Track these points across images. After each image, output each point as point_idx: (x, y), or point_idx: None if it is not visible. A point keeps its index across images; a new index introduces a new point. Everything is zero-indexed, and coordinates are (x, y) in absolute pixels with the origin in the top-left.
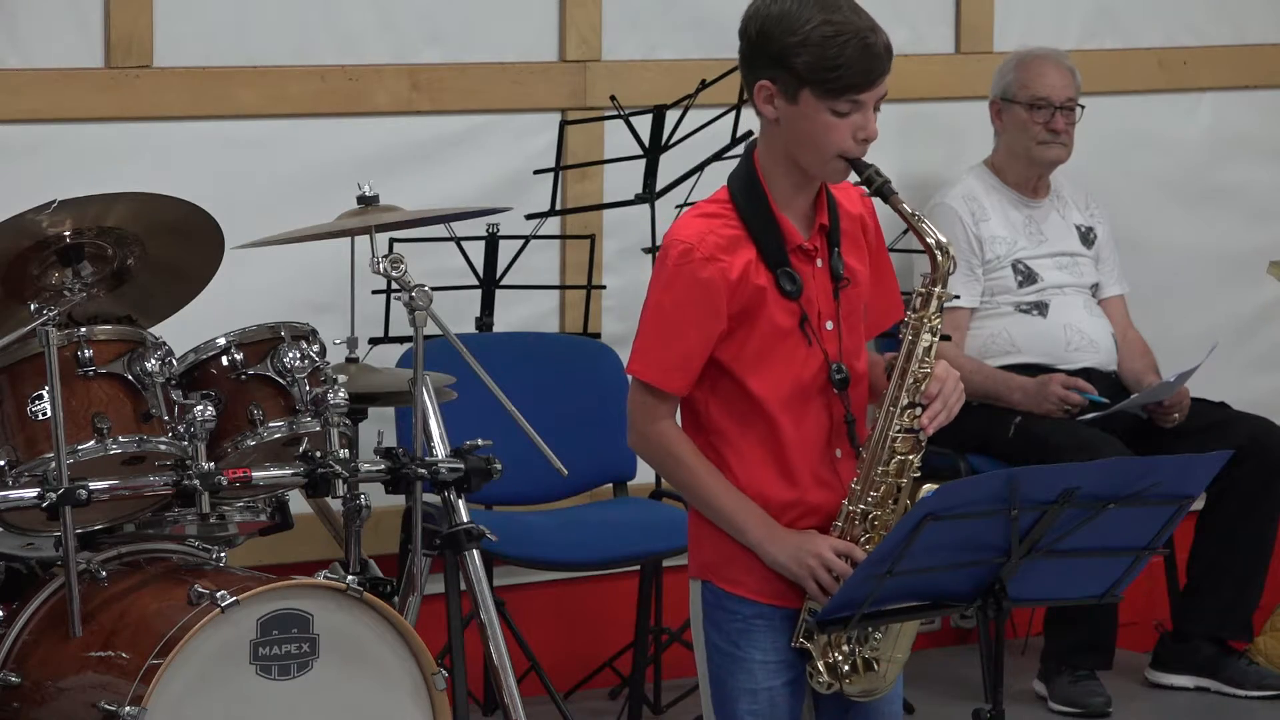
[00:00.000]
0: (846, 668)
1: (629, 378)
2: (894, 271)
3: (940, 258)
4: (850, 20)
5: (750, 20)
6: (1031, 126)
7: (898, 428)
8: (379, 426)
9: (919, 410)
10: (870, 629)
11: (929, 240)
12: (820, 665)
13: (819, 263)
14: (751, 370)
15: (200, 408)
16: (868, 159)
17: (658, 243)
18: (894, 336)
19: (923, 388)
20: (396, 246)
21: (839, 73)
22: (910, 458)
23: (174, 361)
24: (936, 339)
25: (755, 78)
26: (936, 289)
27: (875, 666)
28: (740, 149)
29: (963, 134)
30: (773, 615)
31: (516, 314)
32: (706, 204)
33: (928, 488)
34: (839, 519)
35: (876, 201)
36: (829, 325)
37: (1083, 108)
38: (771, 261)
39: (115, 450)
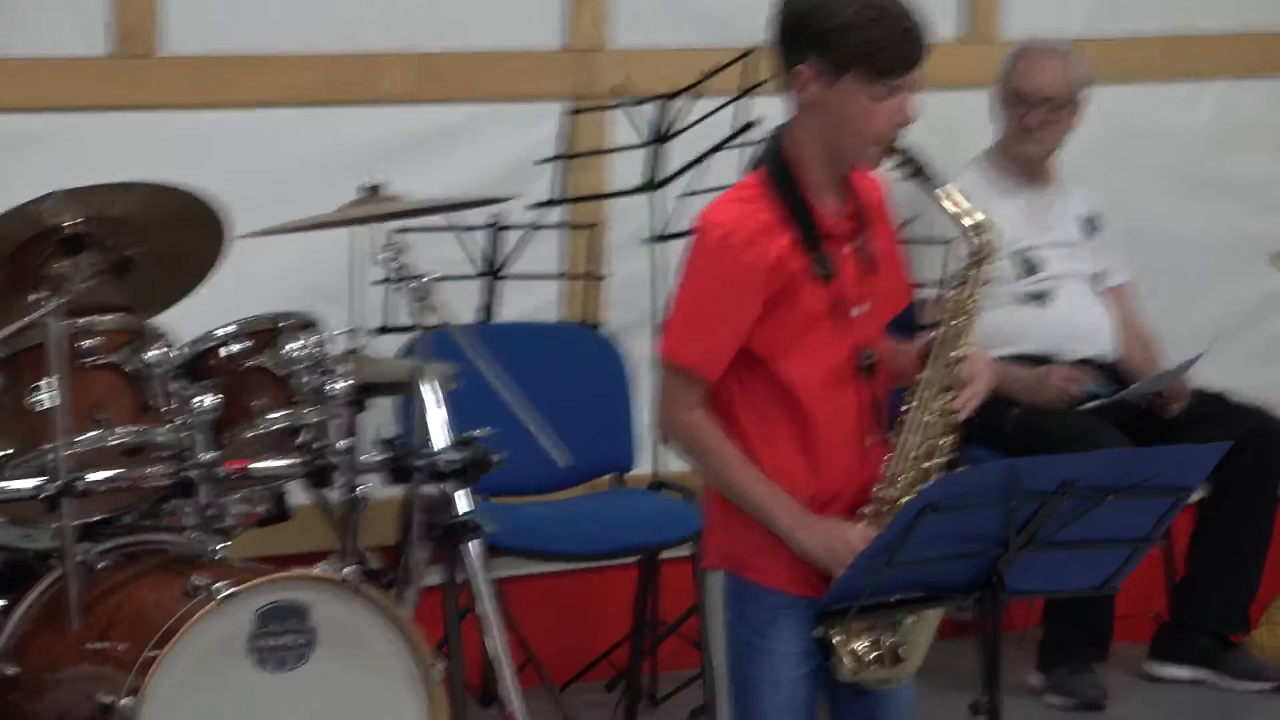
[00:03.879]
0: (871, 656)
1: (656, 360)
2: (901, 260)
3: (977, 239)
4: (891, 5)
5: (788, 6)
6: (1013, 120)
7: (933, 411)
8: (380, 417)
9: (950, 394)
10: (900, 617)
11: (965, 221)
12: (844, 655)
13: (847, 249)
14: (783, 356)
15: (201, 398)
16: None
17: (661, 232)
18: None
19: (956, 371)
20: (399, 236)
21: (883, 55)
22: (941, 441)
23: (174, 352)
24: (974, 322)
25: (795, 61)
26: (974, 271)
27: (900, 654)
28: (743, 138)
29: (966, 123)
30: (799, 605)
31: (519, 304)
32: (738, 189)
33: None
34: (869, 504)
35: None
36: (855, 311)
37: (1076, 106)
38: (807, 246)
39: (115, 441)
